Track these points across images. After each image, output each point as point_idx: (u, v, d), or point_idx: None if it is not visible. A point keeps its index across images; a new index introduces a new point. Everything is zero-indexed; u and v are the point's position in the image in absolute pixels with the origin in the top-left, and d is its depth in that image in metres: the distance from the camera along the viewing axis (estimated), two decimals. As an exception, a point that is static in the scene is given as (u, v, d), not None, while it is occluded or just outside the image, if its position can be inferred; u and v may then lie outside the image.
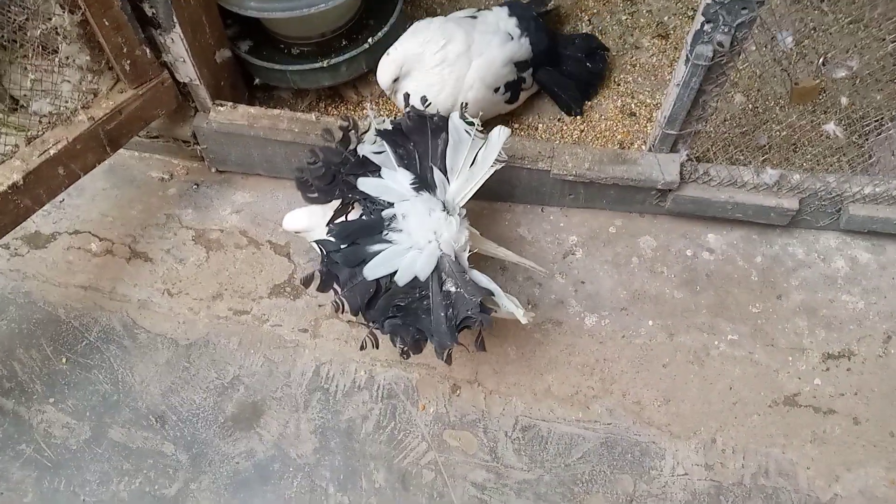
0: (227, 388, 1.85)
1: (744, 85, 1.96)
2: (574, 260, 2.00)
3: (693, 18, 1.54)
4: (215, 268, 2.02)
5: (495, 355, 1.86)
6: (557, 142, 2.12)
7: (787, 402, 1.80)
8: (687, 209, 1.96)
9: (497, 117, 2.12)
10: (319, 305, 1.95)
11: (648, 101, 2.20)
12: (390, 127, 1.68)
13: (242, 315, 1.95)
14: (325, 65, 2.04)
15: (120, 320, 1.95)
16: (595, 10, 2.38)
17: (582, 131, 2.15)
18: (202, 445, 1.78)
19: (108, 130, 1.82)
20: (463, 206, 1.68)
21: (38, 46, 1.68)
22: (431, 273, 1.57)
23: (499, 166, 1.68)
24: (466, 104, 1.75)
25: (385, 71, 1.88)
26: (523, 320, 1.57)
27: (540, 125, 2.17)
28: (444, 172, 1.66)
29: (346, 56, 2.04)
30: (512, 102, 2.07)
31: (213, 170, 2.17)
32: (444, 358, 1.57)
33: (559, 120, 2.18)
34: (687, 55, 1.56)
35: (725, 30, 1.49)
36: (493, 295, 1.57)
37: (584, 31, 2.33)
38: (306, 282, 1.64)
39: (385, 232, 1.61)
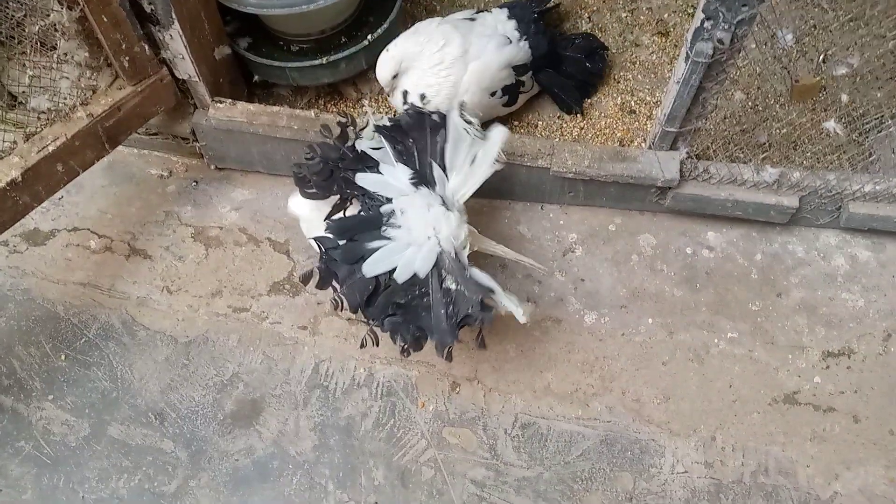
0: (226, 385, 1.85)
1: (744, 82, 1.96)
2: (574, 258, 2.00)
3: (693, 16, 1.53)
4: (214, 265, 2.02)
5: (495, 353, 1.86)
6: (557, 139, 2.11)
7: (787, 400, 1.80)
8: (687, 207, 1.95)
9: (495, 119, 2.12)
10: (318, 303, 1.95)
11: (648, 98, 2.19)
12: (389, 123, 1.67)
13: (242, 312, 1.95)
14: (324, 62, 2.03)
15: (119, 317, 1.95)
16: (595, 8, 2.37)
17: (582, 129, 2.15)
18: (201, 442, 1.78)
19: (107, 127, 1.82)
20: (463, 204, 1.68)
21: (36, 43, 1.68)
22: (431, 270, 1.57)
23: (498, 167, 1.67)
24: (464, 103, 1.75)
25: (384, 67, 1.88)
26: (522, 319, 1.57)
27: (539, 122, 2.17)
28: (444, 169, 1.66)
29: (346, 53, 2.04)
30: (509, 105, 2.07)
31: (213, 167, 2.16)
32: (445, 355, 1.56)
33: (559, 117, 2.17)
34: (687, 52, 1.56)
35: (726, 27, 1.49)
36: (494, 293, 1.56)
37: (584, 29, 2.32)
38: (305, 279, 1.64)
39: (384, 228, 1.61)
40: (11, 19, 1.62)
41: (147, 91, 1.87)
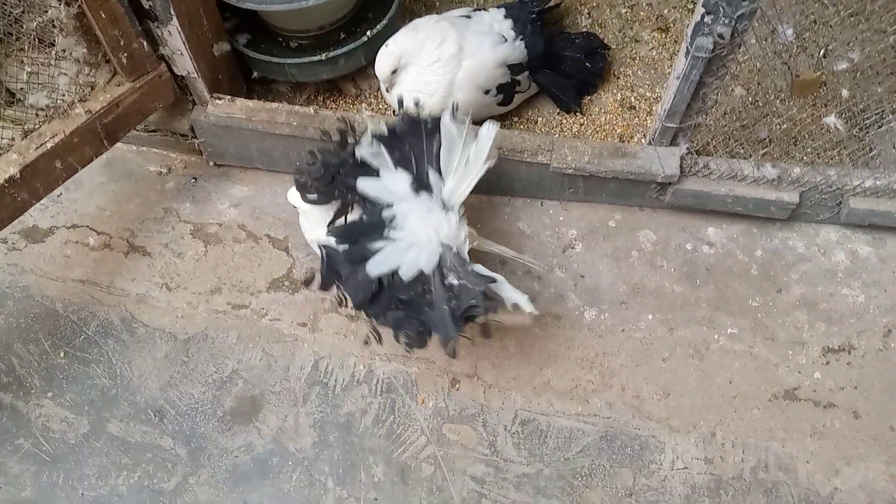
0: (225, 382, 1.85)
1: (744, 78, 1.95)
2: (573, 254, 2.00)
3: (693, 11, 1.53)
4: (213, 262, 2.02)
5: (494, 349, 1.86)
6: (557, 135, 2.11)
7: (787, 396, 1.80)
8: (687, 203, 1.95)
9: (490, 118, 2.11)
10: (321, 299, 1.94)
11: (648, 94, 2.19)
12: (386, 131, 1.67)
13: (241, 309, 1.95)
14: (323, 58, 2.03)
15: (118, 314, 1.94)
16: (595, 3, 2.37)
17: (581, 125, 2.15)
18: (201, 439, 1.78)
19: (106, 124, 1.81)
20: (461, 205, 1.68)
21: (34, 39, 1.67)
22: (434, 269, 1.57)
23: (490, 163, 1.67)
24: (457, 105, 1.74)
25: (383, 63, 1.88)
26: (527, 308, 1.56)
27: (539, 119, 2.16)
28: (440, 173, 1.66)
29: (345, 49, 2.03)
30: (505, 105, 2.06)
31: (212, 164, 2.16)
32: (449, 351, 1.57)
33: (558, 114, 2.17)
34: (687, 47, 1.55)
35: (726, 21, 1.48)
36: (496, 282, 1.56)
37: (584, 25, 2.32)
38: (307, 282, 1.64)
39: (386, 230, 1.61)
40: (9, 16, 1.62)
41: (146, 87, 1.86)
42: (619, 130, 2.12)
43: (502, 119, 2.16)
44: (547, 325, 1.89)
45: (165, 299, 1.96)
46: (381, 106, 2.20)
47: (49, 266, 2.02)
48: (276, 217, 2.06)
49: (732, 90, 1.98)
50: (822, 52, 1.82)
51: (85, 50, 1.75)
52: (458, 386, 1.83)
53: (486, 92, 1.97)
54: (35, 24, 1.64)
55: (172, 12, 1.72)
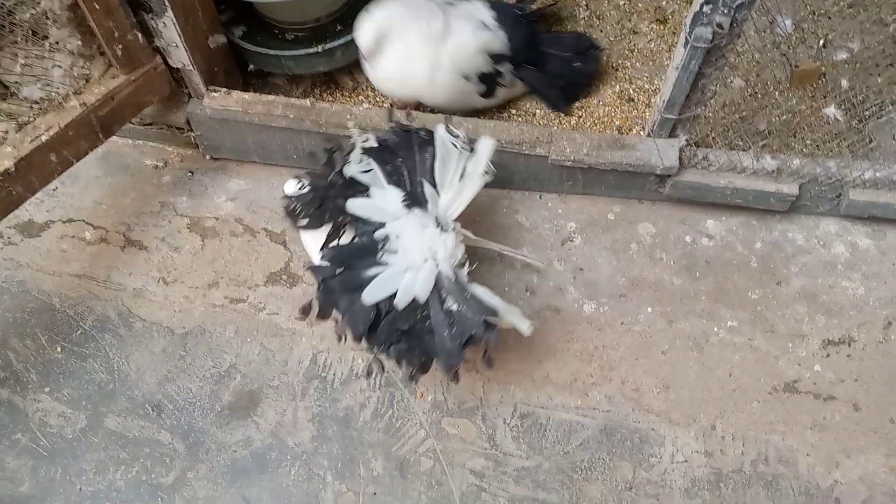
0: (223, 376, 1.84)
1: (743, 69, 1.94)
2: (572, 247, 1.99)
3: (691, 1, 1.52)
4: (210, 256, 2.01)
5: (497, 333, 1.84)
6: (555, 127, 2.10)
7: (787, 389, 1.79)
8: (686, 195, 1.94)
9: (486, 116, 2.10)
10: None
11: (647, 86, 2.18)
12: (376, 144, 1.65)
13: (238, 303, 1.94)
14: (319, 50, 2.01)
15: (115, 309, 1.93)
16: (593, -5, 2.36)
17: (580, 117, 2.13)
18: (199, 434, 1.77)
19: (101, 116, 1.80)
20: (455, 220, 1.66)
21: (27, 31, 1.65)
22: (431, 292, 1.55)
23: (487, 179, 1.66)
24: (451, 117, 1.73)
25: (366, 33, 1.82)
26: (527, 332, 1.56)
27: (538, 111, 2.15)
28: (434, 186, 1.64)
29: (342, 41, 2.02)
30: (487, 97, 2.03)
31: (208, 157, 2.15)
32: (452, 377, 1.56)
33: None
34: (686, 37, 1.54)
35: (725, 11, 1.47)
36: (496, 313, 1.54)
37: (583, 18, 2.30)
38: (305, 311, 1.60)
39: (380, 254, 1.59)
40: (2, 7, 1.60)
41: (141, 80, 1.85)
42: (617, 123, 2.11)
43: (500, 112, 2.15)
44: (546, 318, 1.89)
45: (162, 293, 1.95)
46: (378, 99, 2.19)
47: (45, 260, 2.01)
48: (273, 210, 2.05)
49: (731, 81, 1.97)
50: (821, 42, 1.82)
51: (79, 42, 1.73)
52: (456, 380, 1.81)
53: (467, 78, 1.94)
54: (28, 15, 1.63)
55: (167, 3, 1.70)
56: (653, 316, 1.89)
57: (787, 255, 1.96)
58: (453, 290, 1.55)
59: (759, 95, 2.01)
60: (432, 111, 2.09)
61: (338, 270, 1.58)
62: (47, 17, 1.65)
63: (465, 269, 1.60)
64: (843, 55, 1.70)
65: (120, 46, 1.75)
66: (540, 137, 1.88)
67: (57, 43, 1.71)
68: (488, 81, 1.99)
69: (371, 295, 1.54)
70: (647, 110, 2.12)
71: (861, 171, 1.84)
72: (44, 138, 1.70)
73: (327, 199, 1.63)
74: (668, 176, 1.89)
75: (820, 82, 1.91)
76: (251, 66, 2.13)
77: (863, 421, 1.75)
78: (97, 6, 1.63)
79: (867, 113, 1.93)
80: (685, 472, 1.71)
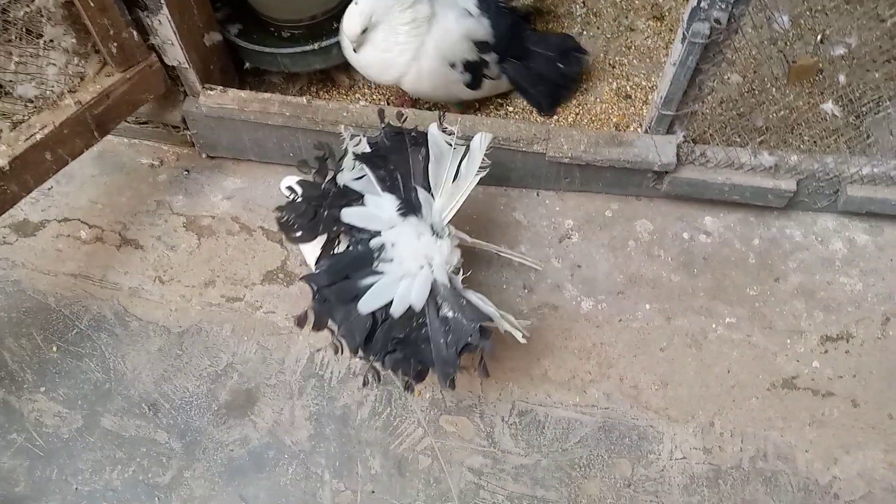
0: (220, 375, 1.83)
1: (740, 65, 1.93)
2: (570, 244, 1.98)
3: (689, -1, 1.51)
4: (207, 254, 2.00)
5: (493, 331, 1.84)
6: (552, 124, 2.09)
7: (786, 385, 1.79)
8: (683, 192, 1.94)
9: (483, 114, 2.09)
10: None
11: (644, 83, 2.17)
12: (368, 149, 1.64)
13: (235, 302, 1.93)
14: (316, 47, 2.01)
15: (111, 308, 1.92)
16: (589, -8, 2.35)
17: (577, 114, 2.13)
18: (196, 433, 1.77)
19: (96, 115, 1.79)
20: (450, 223, 1.64)
21: (22, 29, 1.64)
22: (427, 299, 1.54)
23: (482, 174, 1.64)
24: (444, 113, 1.71)
25: (354, 21, 1.80)
26: (522, 341, 1.56)
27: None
28: (428, 189, 1.63)
29: (338, 39, 2.01)
30: (473, 88, 2.01)
31: (204, 155, 2.14)
32: (448, 384, 1.54)
33: (554, 103, 2.15)
34: (683, 33, 1.54)
35: (722, 6, 1.46)
36: (492, 320, 1.54)
37: (579, 15, 2.30)
38: (300, 321, 1.59)
39: (375, 263, 1.57)
40: (-3, 5, 1.59)
41: (136, 78, 1.84)
42: (614, 120, 2.11)
43: (498, 110, 2.15)
44: (544, 315, 1.88)
45: (159, 292, 1.94)
46: (374, 96, 2.19)
47: (41, 260, 2.00)
48: (269, 209, 2.04)
49: (729, 78, 1.97)
50: (818, 37, 1.81)
51: (74, 39, 1.72)
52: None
53: (452, 65, 1.92)
54: (23, 13, 1.61)
55: (162, 1, 1.70)
56: (651, 313, 1.88)
57: (785, 252, 1.96)
58: (449, 296, 1.54)
59: (757, 92, 2.01)
60: (430, 108, 2.09)
61: (333, 281, 1.57)
62: (41, 15, 1.64)
63: (461, 276, 1.59)
64: (840, 50, 1.70)
65: (115, 44, 1.74)
66: (537, 134, 1.88)
67: (51, 41, 1.70)
68: (474, 70, 1.97)
69: (367, 304, 1.53)
70: (644, 107, 2.12)
71: (859, 167, 1.84)
72: (38, 137, 1.69)
73: (321, 210, 1.61)
74: (666, 172, 1.88)
75: (817, 78, 1.91)
76: (247, 64, 2.12)
77: (861, 417, 1.75)
78: (92, 4, 1.63)
79: (865, 109, 1.92)
80: (684, 468, 1.70)
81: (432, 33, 1.86)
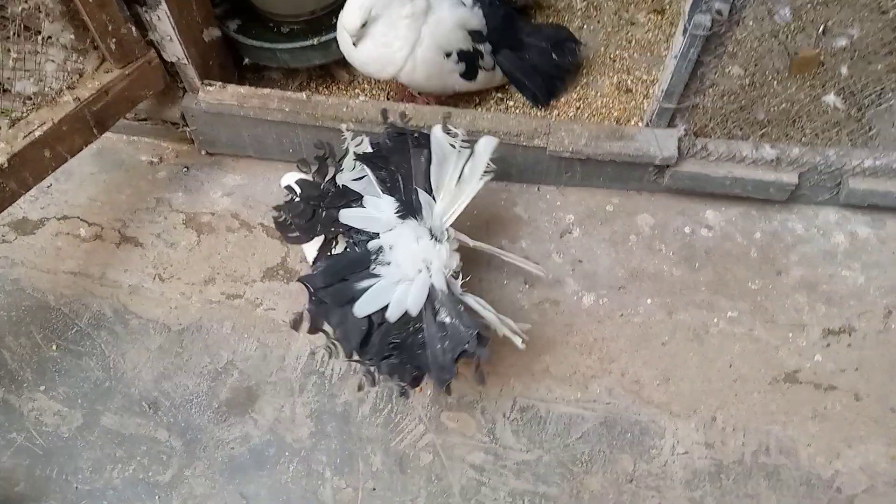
0: (220, 373, 1.83)
1: (742, 58, 1.93)
2: (571, 239, 1.98)
3: (690, -10, 1.50)
4: (207, 252, 1.99)
5: (492, 336, 1.83)
6: (553, 119, 2.08)
7: (788, 379, 1.78)
8: (685, 185, 1.93)
9: (484, 109, 2.08)
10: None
11: (645, 77, 2.17)
12: (370, 149, 1.63)
13: (235, 299, 1.92)
14: (315, 43, 2.00)
15: (111, 306, 1.92)
16: (590, -14, 2.34)
17: (578, 108, 2.12)
18: (196, 431, 1.76)
19: (95, 111, 1.78)
20: (450, 227, 1.63)
21: (20, 25, 1.63)
22: (424, 304, 1.52)
23: (487, 178, 1.63)
24: (449, 114, 1.70)
25: (354, 16, 1.79)
26: (521, 347, 1.55)
27: (535, 103, 2.14)
28: (430, 192, 1.61)
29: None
30: (468, 79, 2.00)
31: (203, 152, 2.13)
32: (444, 390, 1.54)
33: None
34: (685, 25, 1.53)
35: (724, -3, 1.46)
36: (489, 327, 1.53)
37: (580, 9, 2.29)
38: (296, 324, 1.58)
39: (372, 266, 1.56)
40: (-6, 2, 1.59)
41: (135, 74, 1.83)
42: (615, 114, 2.10)
43: (498, 104, 2.14)
44: (545, 310, 1.88)
45: (158, 290, 1.94)
46: (374, 92, 2.18)
47: (40, 258, 1.99)
48: (269, 206, 2.03)
49: (730, 70, 1.96)
50: (820, 29, 1.80)
51: (72, 36, 1.72)
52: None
53: (447, 55, 1.92)
54: (21, 9, 1.61)
55: (161, -4, 1.69)
56: (652, 307, 1.88)
57: (787, 245, 1.95)
58: (446, 301, 1.52)
59: (758, 84, 2.00)
60: (429, 103, 2.08)
61: (330, 283, 1.55)
62: (40, 11, 1.63)
63: (460, 279, 1.58)
64: (842, 42, 1.69)
65: (114, 40, 1.73)
66: (538, 129, 1.87)
67: (50, 37, 1.69)
68: (468, 60, 1.96)
69: (363, 308, 1.52)
70: (645, 101, 2.11)
71: (860, 159, 1.83)
72: (37, 134, 1.69)
73: (319, 210, 1.60)
74: (667, 166, 1.88)
75: (819, 70, 1.90)
76: (246, 60, 2.12)
77: (863, 410, 1.75)
78: (90, -1, 1.62)
79: (866, 101, 1.92)
80: (686, 463, 1.70)
81: (428, 23, 1.86)
